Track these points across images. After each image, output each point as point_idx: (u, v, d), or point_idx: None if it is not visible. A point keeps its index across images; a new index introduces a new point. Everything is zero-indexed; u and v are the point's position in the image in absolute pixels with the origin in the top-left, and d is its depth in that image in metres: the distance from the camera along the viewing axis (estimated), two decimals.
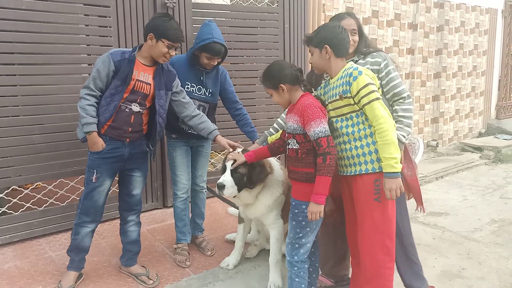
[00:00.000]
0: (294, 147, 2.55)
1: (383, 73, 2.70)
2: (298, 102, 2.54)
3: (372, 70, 2.65)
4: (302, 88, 2.59)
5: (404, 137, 2.63)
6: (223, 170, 2.92)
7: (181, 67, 3.22)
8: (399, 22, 6.77)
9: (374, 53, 2.77)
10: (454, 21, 7.64)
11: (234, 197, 2.97)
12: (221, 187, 2.85)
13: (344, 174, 2.59)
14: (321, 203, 2.41)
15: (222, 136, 3.18)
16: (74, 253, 3.01)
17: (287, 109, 2.68)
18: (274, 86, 2.56)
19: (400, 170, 2.38)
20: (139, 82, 2.85)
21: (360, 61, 2.77)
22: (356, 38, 2.79)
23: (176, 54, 2.94)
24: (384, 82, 2.70)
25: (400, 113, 2.67)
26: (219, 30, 3.23)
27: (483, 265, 3.51)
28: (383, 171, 2.39)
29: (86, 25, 3.84)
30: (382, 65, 2.71)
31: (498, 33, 8.79)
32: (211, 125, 3.19)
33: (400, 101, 2.68)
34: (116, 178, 3.12)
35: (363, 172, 2.47)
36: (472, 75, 8.33)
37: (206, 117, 3.22)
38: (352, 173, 2.52)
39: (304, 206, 2.51)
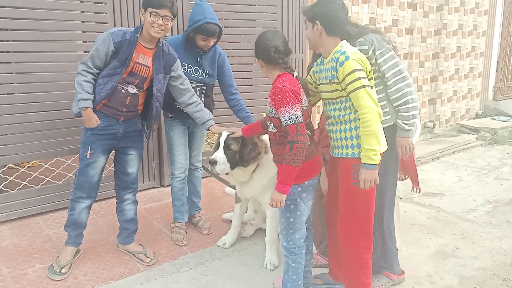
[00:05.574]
0: (272, 130, 2.46)
1: (373, 60, 2.55)
2: (273, 83, 2.41)
3: None
4: (288, 69, 2.41)
5: (405, 124, 2.55)
6: (217, 147, 2.92)
7: (177, 48, 3.15)
8: (398, 1, 6.67)
9: (361, 39, 2.57)
10: (454, 0, 7.55)
11: (227, 174, 2.97)
12: (213, 163, 2.85)
13: (333, 155, 2.56)
14: (283, 193, 2.31)
15: (220, 119, 3.13)
16: (71, 228, 3.03)
17: None
18: (255, 57, 2.46)
19: (378, 163, 2.32)
20: (138, 65, 2.82)
21: None
22: None
23: (168, 24, 2.76)
24: (378, 68, 2.57)
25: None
26: (211, 9, 3.15)
27: (477, 245, 3.56)
28: (361, 161, 2.34)
29: (81, 1, 3.77)
30: (370, 53, 2.54)
31: (498, 13, 8.70)
32: (207, 114, 3.15)
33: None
34: (112, 157, 3.11)
35: (343, 156, 2.43)
36: (471, 56, 8.28)
37: (203, 105, 3.17)
38: (338, 155, 2.48)
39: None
